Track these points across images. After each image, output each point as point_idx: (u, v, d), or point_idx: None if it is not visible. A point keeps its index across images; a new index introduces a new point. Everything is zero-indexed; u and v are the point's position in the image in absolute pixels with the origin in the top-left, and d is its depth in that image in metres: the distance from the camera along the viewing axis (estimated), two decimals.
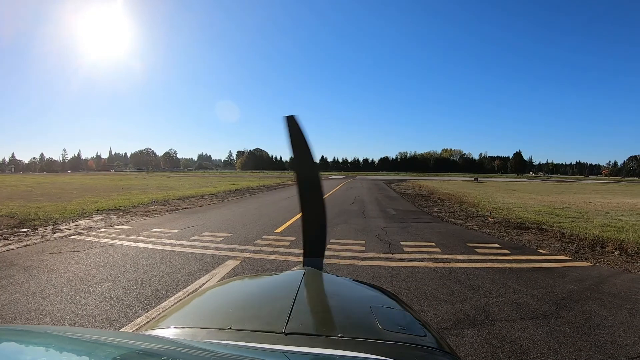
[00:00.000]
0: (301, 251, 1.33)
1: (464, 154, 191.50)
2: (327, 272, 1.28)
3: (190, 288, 4.66)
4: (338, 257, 6.15)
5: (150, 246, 7.19)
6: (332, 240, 7.48)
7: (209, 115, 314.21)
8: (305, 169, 1.17)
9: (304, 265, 1.26)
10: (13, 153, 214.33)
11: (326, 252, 1.37)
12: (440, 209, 14.09)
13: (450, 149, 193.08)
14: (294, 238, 7.79)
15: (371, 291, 1.21)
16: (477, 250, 6.97)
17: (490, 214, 12.16)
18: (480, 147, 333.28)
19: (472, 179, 58.52)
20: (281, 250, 6.79)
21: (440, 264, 5.85)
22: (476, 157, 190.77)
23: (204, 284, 4.90)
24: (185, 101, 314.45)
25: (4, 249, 7.29)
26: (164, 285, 4.76)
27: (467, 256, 6.43)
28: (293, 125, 1.13)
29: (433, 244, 7.48)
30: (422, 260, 6.12)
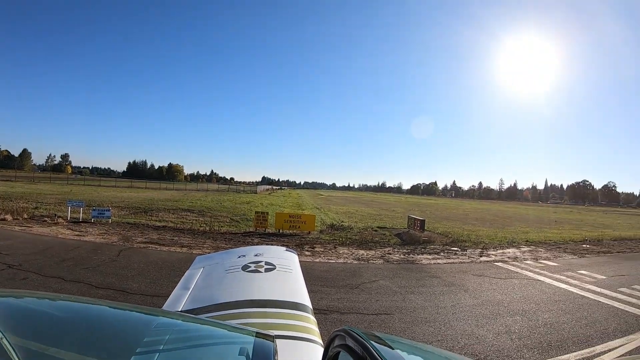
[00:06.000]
0: None
1: None
2: None
3: (598, 348, 4.35)
4: None
5: (570, 289, 6.94)
6: None
7: None
8: None
9: None
10: (454, 180, 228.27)
11: None
12: None
13: None
14: None
15: None
16: None
17: None
18: None
19: None
20: None
21: None
22: None
23: (616, 347, 4.48)
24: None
25: (433, 262, 8.41)
26: (571, 337, 4.59)
27: None
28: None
29: None
30: None
